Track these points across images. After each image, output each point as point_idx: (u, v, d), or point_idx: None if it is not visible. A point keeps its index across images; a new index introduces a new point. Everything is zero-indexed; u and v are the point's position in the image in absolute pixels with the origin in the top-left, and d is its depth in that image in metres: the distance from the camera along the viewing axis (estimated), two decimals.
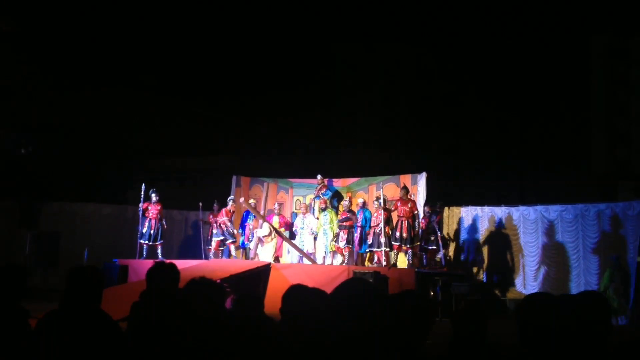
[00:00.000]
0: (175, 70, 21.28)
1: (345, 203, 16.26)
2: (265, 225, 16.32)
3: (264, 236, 16.29)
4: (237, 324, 3.38)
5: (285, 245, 16.98)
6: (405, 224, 15.02)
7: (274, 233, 16.29)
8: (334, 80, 21.61)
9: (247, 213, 17.17)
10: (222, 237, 16.72)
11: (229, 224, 16.79)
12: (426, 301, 2.91)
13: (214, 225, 16.78)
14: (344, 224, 15.75)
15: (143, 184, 16.10)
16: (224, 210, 16.83)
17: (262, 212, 17.60)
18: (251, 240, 16.85)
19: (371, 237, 15.54)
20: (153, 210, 16.17)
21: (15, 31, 17.18)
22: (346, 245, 15.64)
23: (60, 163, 18.69)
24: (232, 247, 16.86)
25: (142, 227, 16.05)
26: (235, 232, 17.02)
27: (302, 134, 21.05)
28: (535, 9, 20.00)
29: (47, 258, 15.80)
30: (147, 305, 3.92)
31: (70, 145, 19.32)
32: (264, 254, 16.28)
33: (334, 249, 16.10)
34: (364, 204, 16.20)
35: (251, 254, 16.81)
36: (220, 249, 17.02)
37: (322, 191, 16.98)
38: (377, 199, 15.58)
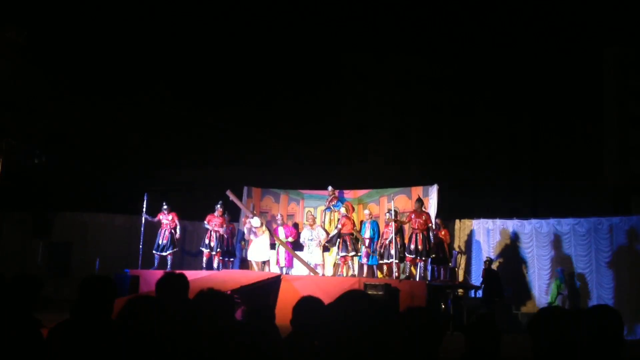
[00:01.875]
0: (189, 83, 21.43)
1: (342, 210, 16.23)
2: (256, 217, 16.29)
3: (256, 227, 16.25)
4: (248, 336, 3.37)
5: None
6: (420, 236, 14.91)
7: (265, 226, 16.27)
8: (345, 92, 21.66)
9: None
10: (210, 249, 16.49)
11: (221, 230, 16.57)
12: (436, 318, 2.87)
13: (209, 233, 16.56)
14: (343, 232, 15.73)
15: (146, 194, 16.09)
16: (211, 216, 16.60)
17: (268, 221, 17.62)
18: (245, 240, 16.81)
19: (383, 249, 15.46)
20: (164, 220, 16.27)
21: (27, 42, 17.34)
22: (344, 255, 15.63)
23: (72, 174, 18.81)
24: (216, 259, 16.58)
25: (157, 238, 16.17)
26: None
27: (313, 145, 21.08)
28: (548, 21, 19.98)
29: (59, 268, 15.89)
30: (154, 313, 3.91)
31: (82, 156, 19.46)
32: (256, 252, 16.22)
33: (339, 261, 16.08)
34: (371, 215, 16.16)
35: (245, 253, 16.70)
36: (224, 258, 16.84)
37: (333, 202, 16.95)
38: (389, 210, 15.52)
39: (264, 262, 16.61)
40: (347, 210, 16.30)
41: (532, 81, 21.16)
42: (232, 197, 16.72)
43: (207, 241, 16.51)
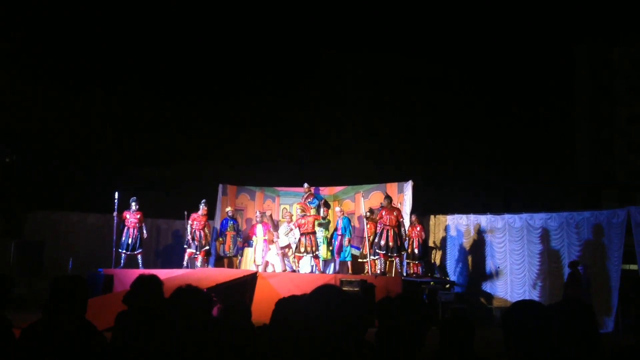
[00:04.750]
0: (162, 79, 21.26)
1: (298, 211, 16.22)
2: (283, 236, 16.09)
3: (284, 248, 16.10)
4: (224, 334, 3.36)
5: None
6: (391, 232, 14.99)
7: (293, 245, 16.06)
8: (321, 89, 21.68)
9: (226, 220, 16.90)
10: (194, 250, 16.22)
11: (203, 232, 16.34)
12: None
13: (190, 234, 16.29)
14: (303, 231, 15.70)
15: (116, 193, 15.72)
16: (195, 215, 16.29)
17: (243, 221, 17.56)
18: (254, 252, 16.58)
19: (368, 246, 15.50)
20: (132, 219, 15.79)
21: None
22: (300, 255, 15.64)
23: (44, 172, 18.56)
24: (200, 258, 16.27)
25: (121, 236, 15.75)
26: (206, 240, 16.51)
27: (289, 142, 21.08)
28: (521, 20, 20.22)
29: (31, 267, 15.64)
30: (131, 316, 3.89)
31: (54, 154, 19.21)
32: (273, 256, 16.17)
33: (328, 257, 16.06)
34: (342, 211, 16.23)
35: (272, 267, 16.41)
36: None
37: (309, 200, 16.95)
38: (370, 210, 15.64)
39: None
40: (303, 210, 16.21)
41: (506, 79, 21.39)
42: (265, 219, 16.54)
43: (191, 240, 16.23)
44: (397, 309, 2.83)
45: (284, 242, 16.07)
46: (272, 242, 16.32)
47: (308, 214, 16.06)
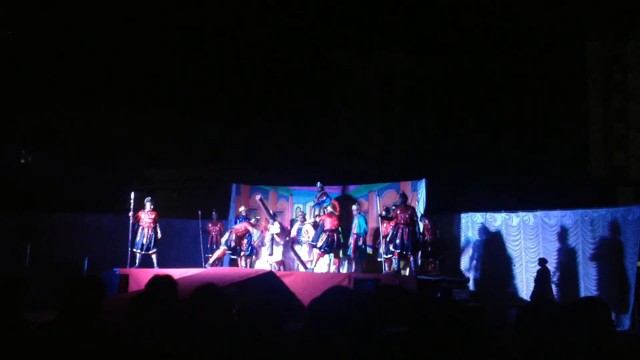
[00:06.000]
0: (176, 81, 21.37)
1: (328, 208, 16.11)
2: (277, 222, 16.14)
3: (278, 234, 16.09)
4: (240, 332, 3.37)
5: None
6: (406, 230, 14.93)
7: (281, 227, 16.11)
8: (333, 89, 21.68)
9: (239, 220, 16.88)
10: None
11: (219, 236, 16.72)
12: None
13: (213, 235, 16.56)
14: (326, 228, 15.59)
15: (133, 193, 15.90)
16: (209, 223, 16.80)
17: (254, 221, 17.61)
18: (263, 245, 16.65)
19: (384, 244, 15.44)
20: (147, 219, 15.92)
21: (13, 38, 17.19)
22: (323, 252, 15.54)
23: (59, 173, 18.69)
24: (242, 259, 16.55)
25: (136, 236, 15.89)
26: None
27: (302, 142, 21.10)
28: (534, 16, 20.11)
29: (47, 269, 15.76)
30: (147, 317, 3.90)
31: (69, 156, 19.34)
32: (276, 257, 16.15)
33: (341, 256, 16.02)
34: (359, 209, 16.16)
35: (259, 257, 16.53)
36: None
37: (322, 199, 16.91)
38: (386, 208, 15.59)
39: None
40: (333, 208, 16.12)
41: (518, 77, 21.29)
42: (258, 201, 16.58)
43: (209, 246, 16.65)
44: (433, 313, 2.80)
45: (275, 230, 16.05)
46: (266, 228, 16.38)
47: (335, 212, 15.93)
